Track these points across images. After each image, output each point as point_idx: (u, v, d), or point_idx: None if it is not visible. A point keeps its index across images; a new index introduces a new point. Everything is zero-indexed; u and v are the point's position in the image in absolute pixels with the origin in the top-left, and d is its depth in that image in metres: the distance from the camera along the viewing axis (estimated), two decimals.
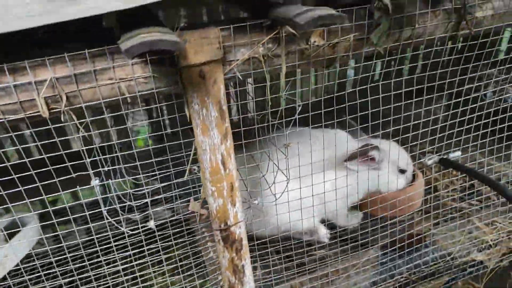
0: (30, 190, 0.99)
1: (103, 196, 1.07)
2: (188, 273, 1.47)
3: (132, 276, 1.39)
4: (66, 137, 2.45)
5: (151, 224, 1.14)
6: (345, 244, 1.69)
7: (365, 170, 1.63)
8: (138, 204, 1.09)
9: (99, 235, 1.12)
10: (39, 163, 0.96)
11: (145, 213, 1.15)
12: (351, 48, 1.05)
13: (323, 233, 1.81)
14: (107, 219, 1.10)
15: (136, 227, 1.14)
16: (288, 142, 1.14)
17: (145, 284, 1.36)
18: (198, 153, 1.03)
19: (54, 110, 0.88)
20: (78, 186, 1.03)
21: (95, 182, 1.03)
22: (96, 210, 1.09)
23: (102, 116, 1.05)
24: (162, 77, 0.93)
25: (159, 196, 1.25)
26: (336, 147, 1.37)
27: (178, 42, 0.71)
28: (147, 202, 1.08)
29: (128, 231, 1.13)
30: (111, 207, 1.11)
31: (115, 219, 1.11)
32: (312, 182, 1.28)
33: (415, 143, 1.45)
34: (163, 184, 1.18)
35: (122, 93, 0.91)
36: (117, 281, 1.34)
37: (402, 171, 1.80)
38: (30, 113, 0.87)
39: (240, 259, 1.20)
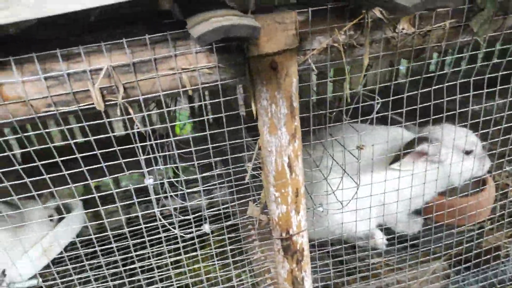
0: (73, 175, 0.90)
1: (156, 196, 0.98)
2: (235, 272, 1.38)
3: (177, 270, 1.31)
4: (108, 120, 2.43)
5: (206, 228, 1.04)
6: (405, 253, 1.54)
7: (425, 166, 1.42)
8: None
9: (148, 225, 1.04)
10: (81, 148, 0.87)
11: (199, 214, 1.05)
12: (445, 37, 0.89)
13: (380, 239, 1.67)
14: (160, 220, 1.01)
15: (190, 230, 1.05)
16: (360, 142, 1.00)
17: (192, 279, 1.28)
18: (262, 154, 0.92)
19: (110, 102, 0.79)
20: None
21: (148, 181, 0.94)
22: (142, 198, 1.00)
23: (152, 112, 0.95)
24: (228, 67, 0.82)
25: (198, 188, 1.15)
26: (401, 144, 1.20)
27: (258, 28, 0.59)
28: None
29: (182, 235, 1.04)
30: (164, 208, 1.02)
31: (168, 220, 1.02)
32: (371, 181, 1.13)
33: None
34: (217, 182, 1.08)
35: (184, 85, 0.81)
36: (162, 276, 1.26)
37: (468, 152, 1.56)
38: (84, 105, 0.78)
39: (300, 270, 1.09)
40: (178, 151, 0.96)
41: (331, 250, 1.33)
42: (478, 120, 1.11)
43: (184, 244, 1.08)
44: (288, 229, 1.01)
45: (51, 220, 1.75)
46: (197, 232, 1.04)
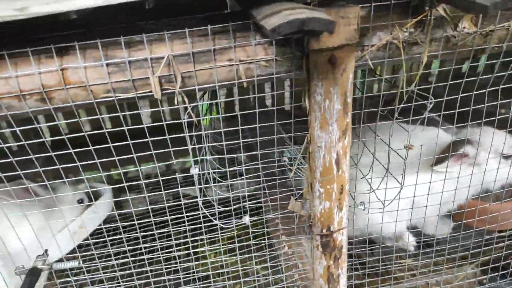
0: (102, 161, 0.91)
1: (200, 186, 0.99)
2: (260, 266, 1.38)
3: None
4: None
5: (246, 219, 1.05)
6: (433, 256, 1.52)
7: (461, 170, 1.40)
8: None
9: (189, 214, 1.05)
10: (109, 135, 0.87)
11: (237, 205, 1.05)
12: (507, 38, 0.87)
13: (410, 241, 1.65)
14: (202, 210, 1.02)
15: (230, 220, 1.05)
16: (409, 142, 0.98)
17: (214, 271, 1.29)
18: (311, 149, 0.91)
19: (167, 91, 0.79)
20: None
21: (194, 171, 0.95)
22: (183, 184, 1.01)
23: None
24: (285, 60, 0.81)
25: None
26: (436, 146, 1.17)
27: (334, 23, 0.58)
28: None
29: (222, 225, 1.04)
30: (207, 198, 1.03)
31: (210, 210, 1.03)
32: (403, 183, 1.11)
33: None
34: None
35: (239, 76, 0.81)
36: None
37: (507, 157, 1.52)
38: (141, 93, 0.79)
39: (337, 268, 1.08)
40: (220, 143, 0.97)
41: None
42: None
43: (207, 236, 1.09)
44: (330, 225, 1.01)
45: (81, 204, 1.78)
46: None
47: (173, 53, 0.76)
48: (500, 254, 1.38)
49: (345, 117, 0.87)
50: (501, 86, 0.96)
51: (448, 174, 1.26)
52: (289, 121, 0.93)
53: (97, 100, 0.78)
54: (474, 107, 0.98)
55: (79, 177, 0.95)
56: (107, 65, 0.75)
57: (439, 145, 1.41)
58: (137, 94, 0.79)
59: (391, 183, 1.07)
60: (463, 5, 0.64)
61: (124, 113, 0.83)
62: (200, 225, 1.06)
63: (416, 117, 0.96)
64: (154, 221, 1.04)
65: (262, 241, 1.26)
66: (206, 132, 0.95)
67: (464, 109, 0.98)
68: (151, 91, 0.78)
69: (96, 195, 1.90)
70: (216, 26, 0.76)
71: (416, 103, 0.91)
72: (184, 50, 0.76)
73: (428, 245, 1.61)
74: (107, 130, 0.85)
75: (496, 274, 1.39)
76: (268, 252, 1.43)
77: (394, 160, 1.01)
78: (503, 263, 1.40)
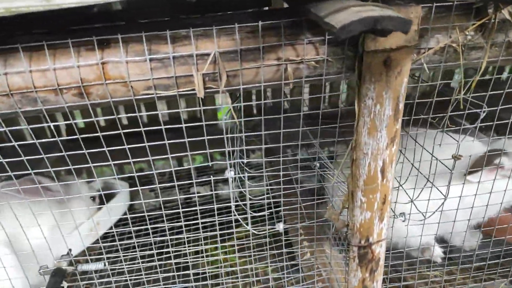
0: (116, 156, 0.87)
1: (235, 190, 0.94)
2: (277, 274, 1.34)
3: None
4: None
5: (280, 227, 1.00)
6: (463, 268, 1.46)
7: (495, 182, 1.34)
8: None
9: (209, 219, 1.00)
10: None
11: (269, 211, 1.00)
12: None
13: (437, 252, 1.59)
14: (235, 215, 0.97)
15: (263, 227, 1.01)
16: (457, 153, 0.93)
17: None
18: (355, 156, 0.86)
19: (211, 90, 0.75)
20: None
21: (230, 173, 0.91)
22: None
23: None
24: (336, 61, 0.76)
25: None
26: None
27: (409, 22, 0.53)
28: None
29: (255, 231, 1.00)
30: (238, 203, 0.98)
31: (242, 216, 0.98)
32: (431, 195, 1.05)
33: None
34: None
35: (287, 77, 0.76)
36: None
37: None
38: (183, 91, 0.75)
39: (373, 281, 1.03)
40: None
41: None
42: None
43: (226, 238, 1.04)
44: (369, 236, 0.96)
45: (93, 200, 1.74)
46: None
47: (219, 50, 0.71)
48: None
49: (395, 123, 0.82)
50: None
51: (481, 186, 1.21)
52: (333, 125, 0.88)
53: (136, 97, 0.74)
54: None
55: (94, 178, 0.90)
56: (150, 60, 0.71)
57: (474, 155, 1.35)
58: (179, 92, 0.74)
59: (426, 194, 1.03)
60: None
61: (140, 113, 0.78)
62: (231, 230, 1.02)
63: (466, 127, 0.90)
64: (183, 224, 1.00)
65: (295, 249, 1.21)
66: (238, 135, 0.90)
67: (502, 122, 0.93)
68: (193, 89, 0.74)
69: (112, 193, 1.86)
70: (266, 22, 0.71)
71: (468, 111, 0.86)
72: (231, 47, 0.72)
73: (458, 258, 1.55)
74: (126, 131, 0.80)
75: None
76: (300, 261, 1.39)
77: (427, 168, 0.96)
78: None
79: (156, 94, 0.74)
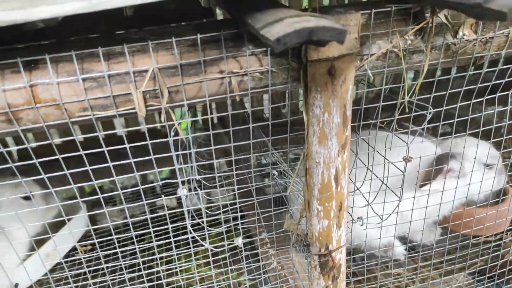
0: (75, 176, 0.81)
1: (188, 208, 0.91)
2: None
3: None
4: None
5: (239, 241, 0.98)
6: (425, 265, 1.49)
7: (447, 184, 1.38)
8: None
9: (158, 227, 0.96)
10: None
11: (228, 226, 0.97)
12: (506, 45, 0.84)
13: (399, 251, 1.62)
14: (191, 233, 0.94)
15: (221, 243, 0.98)
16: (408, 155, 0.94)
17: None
18: (308, 165, 0.85)
19: (152, 108, 0.71)
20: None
21: (182, 191, 0.87)
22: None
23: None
24: (281, 72, 0.75)
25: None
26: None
27: (344, 32, 0.52)
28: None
29: (213, 248, 0.96)
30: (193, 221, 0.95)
31: (199, 233, 0.95)
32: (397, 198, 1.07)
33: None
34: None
35: (232, 90, 0.74)
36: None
37: (489, 166, 1.51)
38: (123, 110, 0.71)
39: (336, 287, 1.03)
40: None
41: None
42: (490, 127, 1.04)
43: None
44: (328, 244, 0.95)
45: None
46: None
47: (158, 65, 0.68)
48: (496, 262, 1.37)
49: (345, 130, 0.81)
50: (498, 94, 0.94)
51: (434, 190, 1.24)
52: (285, 135, 0.86)
53: (72, 120, 0.69)
54: (458, 119, 0.95)
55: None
56: (84, 80, 0.66)
57: (427, 159, 1.37)
58: (118, 111, 0.70)
59: (381, 198, 1.04)
60: (476, 12, 0.60)
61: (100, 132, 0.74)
62: (189, 248, 0.98)
63: (413, 128, 0.92)
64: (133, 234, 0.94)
65: (254, 263, 1.19)
66: (192, 151, 0.87)
67: (450, 121, 0.95)
68: (134, 108, 0.70)
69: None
70: (206, 35, 0.69)
71: (415, 113, 0.87)
72: (171, 62, 0.69)
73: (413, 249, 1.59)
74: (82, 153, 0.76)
75: (492, 283, 1.37)
76: (260, 273, 1.36)
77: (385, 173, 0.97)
78: (499, 271, 1.39)
79: (94, 115, 0.69)
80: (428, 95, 0.85)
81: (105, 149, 0.73)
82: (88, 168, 0.76)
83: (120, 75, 0.68)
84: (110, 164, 0.76)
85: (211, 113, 2.53)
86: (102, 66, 0.66)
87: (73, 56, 0.64)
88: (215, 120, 2.63)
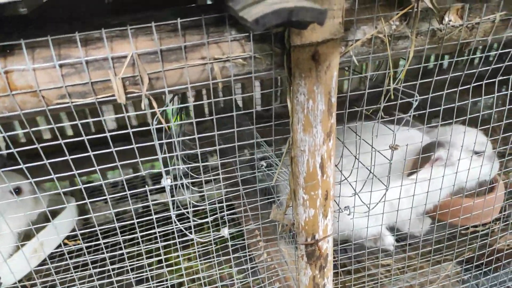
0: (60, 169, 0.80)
1: (172, 199, 0.89)
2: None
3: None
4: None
5: (225, 232, 0.97)
6: (415, 255, 1.50)
7: (437, 171, 1.37)
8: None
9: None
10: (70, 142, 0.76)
11: (214, 217, 0.96)
12: (492, 31, 0.83)
13: (389, 241, 1.62)
14: (176, 223, 0.93)
15: (207, 234, 0.97)
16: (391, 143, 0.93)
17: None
18: (293, 154, 0.84)
19: (132, 95, 0.70)
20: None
21: (166, 182, 0.86)
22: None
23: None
24: (264, 58, 0.74)
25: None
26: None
27: (325, 12, 0.51)
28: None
29: (199, 240, 0.95)
30: (179, 211, 0.94)
31: (184, 225, 0.94)
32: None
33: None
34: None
35: (214, 76, 0.72)
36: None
37: (479, 153, 1.52)
38: (102, 97, 0.69)
39: (323, 277, 1.02)
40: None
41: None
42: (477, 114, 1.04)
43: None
44: (314, 234, 0.94)
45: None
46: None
47: (137, 51, 0.67)
48: (483, 251, 1.37)
49: (330, 118, 0.80)
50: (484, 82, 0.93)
51: (422, 179, 1.23)
52: (270, 123, 0.85)
53: (50, 107, 0.68)
54: (445, 106, 0.94)
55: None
56: (61, 66, 0.65)
57: (414, 148, 1.37)
58: (97, 99, 0.69)
59: (370, 186, 1.03)
60: None
61: (83, 121, 0.72)
62: (174, 240, 0.97)
63: (399, 116, 0.91)
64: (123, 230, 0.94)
65: (242, 254, 1.18)
66: (177, 139, 0.86)
67: (435, 108, 0.94)
68: (113, 95, 0.69)
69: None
70: (187, 20, 0.67)
71: (401, 101, 0.86)
72: (151, 47, 0.67)
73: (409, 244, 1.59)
74: (66, 141, 0.74)
75: (479, 271, 1.38)
76: (250, 266, 1.36)
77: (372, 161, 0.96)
78: (486, 260, 1.40)
79: (72, 102, 0.68)
80: (414, 82, 0.85)
81: (85, 138, 0.72)
82: (68, 157, 0.74)
83: (99, 61, 0.66)
84: (91, 153, 0.75)
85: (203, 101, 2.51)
86: (80, 52, 0.64)
87: (50, 41, 0.63)
88: (206, 112, 2.62)
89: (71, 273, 0.96)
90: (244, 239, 1.56)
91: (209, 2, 0.87)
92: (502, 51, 0.91)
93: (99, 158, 0.76)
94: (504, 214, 1.56)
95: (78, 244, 0.99)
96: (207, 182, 1.85)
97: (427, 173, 1.21)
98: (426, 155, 1.25)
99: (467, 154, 1.41)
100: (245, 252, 1.29)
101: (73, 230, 1.64)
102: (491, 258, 1.38)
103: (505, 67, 0.93)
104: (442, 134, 1.39)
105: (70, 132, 2.37)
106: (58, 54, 0.64)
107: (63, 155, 0.75)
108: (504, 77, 0.95)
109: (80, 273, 1.00)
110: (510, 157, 1.68)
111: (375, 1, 0.74)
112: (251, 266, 1.39)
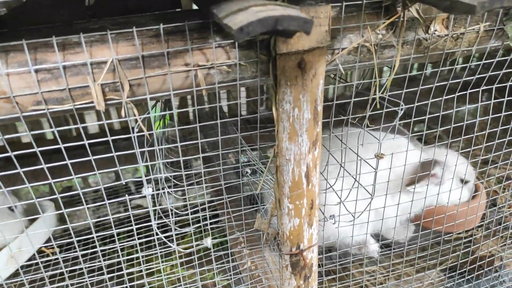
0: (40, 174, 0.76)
1: (153, 208, 0.87)
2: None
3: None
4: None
5: (208, 242, 0.94)
6: (399, 262, 1.50)
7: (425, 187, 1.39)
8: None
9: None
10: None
11: (196, 225, 0.94)
12: (476, 42, 0.84)
13: (373, 248, 1.62)
14: (157, 234, 0.90)
15: (190, 245, 0.94)
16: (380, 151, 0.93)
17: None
18: (278, 162, 0.83)
19: (112, 102, 0.67)
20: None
21: (147, 190, 0.83)
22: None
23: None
24: (249, 65, 0.72)
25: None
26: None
27: (310, 21, 0.50)
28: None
29: (181, 250, 0.93)
30: (162, 221, 0.91)
31: (165, 235, 0.91)
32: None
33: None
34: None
35: (198, 84, 0.70)
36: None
37: (464, 182, 1.57)
38: (80, 104, 0.66)
39: (307, 287, 1.01)
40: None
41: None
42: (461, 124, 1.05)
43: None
44: (299, 243, 0.93)
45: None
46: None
47: (118, 57, 0.64)
48: (466, 259, 1.38)
49: (315, 126, 0.79)
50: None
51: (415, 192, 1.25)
52: (258, 131, 0.84)
53: (25, 114, 0.65)
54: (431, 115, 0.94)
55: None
56: (36, 71, 0.62)
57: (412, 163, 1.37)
58: (75, 105, 0.66)
59: (354, 195, 1.02)
60: (445, 5, 0.58)
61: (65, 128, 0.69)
62: (161, 249, 0.94)
63: (386, 125, 0.91)
64: (103, 235, 0.90)
65: (226, 264, 1.15)
66: (159, 147, 0.83)
67: (421, 118, 0.95)
68: (92, 102, 0.66)
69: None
70: (170, 25, 0.65)
71: (387, 109, 0.86)
72: (132, 53, 0.65)
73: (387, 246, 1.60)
74: (42, 148, 0.71)
75: (462, 279, 1.39)
76: (232, 275, 1.33)
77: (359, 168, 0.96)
78: (469, 267, 1.41)
79: (48, 109, 0.65)
80: (400, 91, 0.84)
81: (61, 146, 0.69)
82: (44, 166, 0.71)
83: (77, 67, 0.63)
84: (68, 162, 0.72)
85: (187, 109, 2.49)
86: (57, 57, 0.61)
87: (24, 45, 0.60)
88: (191, 117, 2.59)
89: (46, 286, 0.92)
90: (228, 247, 1.54)
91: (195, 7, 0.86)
92: (485, 61, 0.92)
93: (80, 163, 0.73)
94: (485, 221, 1.58)
95: (55, 251, 0.96)
96: (190, 185, 1.82)
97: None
98: (423, 173, 1.27)
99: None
100: (229, 259, 1.27)
101: (48, 240, 1.59)
102: (474, 265, 1.39)
103: (488, 77, 0.94)
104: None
105: (50, 135, 2.31)
106: (34, 59, 0.62)
107: (43, 158, 0.72)
108: (488, 87, 0.96)
109: (56, 284, 0.95)
110: (493, 165, 1.70)
111: (361, 9, 0.74)
112: (235, 273, 1.37)
